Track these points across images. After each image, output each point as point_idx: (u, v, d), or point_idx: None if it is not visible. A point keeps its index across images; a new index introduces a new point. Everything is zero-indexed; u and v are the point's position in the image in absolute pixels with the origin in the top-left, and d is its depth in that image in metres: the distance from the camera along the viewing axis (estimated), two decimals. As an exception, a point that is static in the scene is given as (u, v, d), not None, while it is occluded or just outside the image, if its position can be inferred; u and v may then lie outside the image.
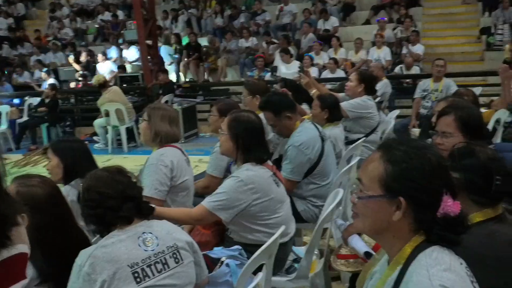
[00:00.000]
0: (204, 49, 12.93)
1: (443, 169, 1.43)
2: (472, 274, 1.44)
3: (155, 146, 3.26)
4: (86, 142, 8.89)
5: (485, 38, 11.55)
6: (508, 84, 5.36)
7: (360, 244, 2.59)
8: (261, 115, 4.25)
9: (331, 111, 4.37)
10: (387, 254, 1.50)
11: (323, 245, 3.31)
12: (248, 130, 2.79)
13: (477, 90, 7.53)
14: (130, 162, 6.91)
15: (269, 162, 2.96)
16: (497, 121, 5.47)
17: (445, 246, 1.41)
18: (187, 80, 12.90)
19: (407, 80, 10.02)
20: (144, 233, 1.98)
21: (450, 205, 1.41)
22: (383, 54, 10.87)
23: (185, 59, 12.92)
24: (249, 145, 2.78)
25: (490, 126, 5.44)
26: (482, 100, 7.81)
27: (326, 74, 10.37)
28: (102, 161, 7.64)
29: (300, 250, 3.14)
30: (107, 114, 9.03)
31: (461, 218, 1.43)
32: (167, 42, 13.52)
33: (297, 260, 3.06)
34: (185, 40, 13.63)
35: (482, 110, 6.36)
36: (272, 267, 2.47)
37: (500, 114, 5.44)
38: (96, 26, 15.85)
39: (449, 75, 8.37)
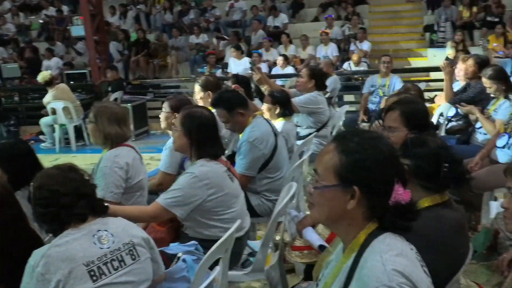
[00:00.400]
0: (153, 45, 12.76)
1: (395, 159, 1.49)
2: (421, 258, 1.51)
3: (106, 147, 3.17)
4: (32, 141, 8.59)
5: (428, 35, 11.96)
6: (450, 80, 5.59)
7: (314, 237, 2.65)
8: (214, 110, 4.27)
9: (283, 106, 4.43)
10: (342, 242, 1.55)
11: (277, 238, 3.36)
12: (201, 126, 2.79)
13: (422, 86, 7.81)
14: (79, 161, 6.69)
15: (223, 158, 2.97)
16: (441, 115, 5.69)
17: (397, 233, 1.47)
18: (137, 77, 12.71)
19: (355, 76, 10.24)
20: (99, 230, 1.95)
21: (401, 194, 1.47)
22: (330, 50, 11.08)
23: (135, 56, 12.72)
24: (203, 141, 2.78)
25: (434, 120, 5.66)
26: (426, 95, 8.11)
27: (277, 70, 10.47)
28: (50, 160, 7.42)
29: (255, 244, 3.17)
30: (54, 112, 8.78)
31: (411, 206, 1.50)
32: (115, 39, 13.26)
33: (252, 254, 3.09)
34: (133, 37, 13.41)
35: (427, 104, 6.62)
36: (228, 261, 2.49)
37: (443, 108, 5.66)
38: (40, 21, 15.34)
39: (395, 71, 8.64)
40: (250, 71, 5.58)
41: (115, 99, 9.57)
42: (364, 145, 1.45)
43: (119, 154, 3.08)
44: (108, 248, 1.94)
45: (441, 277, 1.94)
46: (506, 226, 1.80)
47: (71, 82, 10.77)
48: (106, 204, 2.14)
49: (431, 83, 9.20)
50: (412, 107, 2.85)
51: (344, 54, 11.35)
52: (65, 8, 15.30)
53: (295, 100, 4.91)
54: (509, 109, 4.38)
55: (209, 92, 4.48)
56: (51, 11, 15.34)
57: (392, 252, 1.39)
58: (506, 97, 4.56)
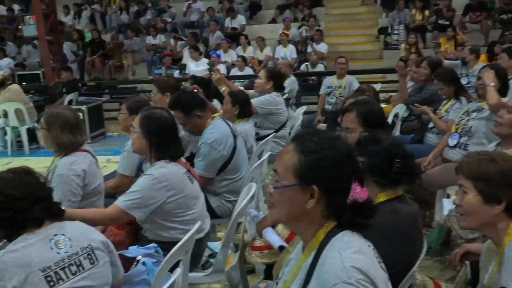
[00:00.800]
0: (108, 46, 12.56)
1: (352, 158, 1.53)
2: (378, 255, 1.55)
3: (59, 155, 3.02)
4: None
5: (383, 37, 12.24)
6: (404, 81, 5.74)
7: (274, 237, 2.68)
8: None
9: (242, 107, 4.45)
10: (302, 241, 1.57)
11: (238, 239, 3.37)
12: (160, 127, 2.77)
13: (377, 87, 7.98)
14: (33, 165, 6.51)
15: (183, 159, 2.96)
16: (396, 116, 5.84)
17: (355, 230, 1.50)
18: (92, 78, 12.46)
19: (313, 77, 10.37)
20: (56, 235, 1.91)
21: (358, 192, 1.51)
22: (288, 52, 11.18)
23: (90, 57, 12.48)
24: (162, 142, 2.76)
25: (389, 120, 5.80)
26: (381, 96, 8.29)
27: (235, 71, 10.49)
28: (2, 164, 7.21)
29: (215, 245, 3.17)
30: (5, 115, 8.50)
31: (369, 204, 1.53)
32: (69, 39, 12.96)
33: (212, 255, 3.09)
34: (88, 37, 13.15)
35: (382, 105, 6.77)
36: (189, 263, 2.48)
37: (398, 108, 5.81)
38: (-10, 20, 14.85)
39: (351, 72, 8.78)
40: (209, 72, 5.56)
41: (70, 101, 9.35)
42: (322, 145, 1.48)
43: (75, 161, 2.96)
44: (66, 252, 1.90)
45: (399, 269, 2.00)
46: (458, 222, 1.87)
47: (24, 83, 10.44)
48: (63, 208, 2.10)
49: (386, 84, 9.41)
50: (369, 108, 2.91)
51: (302, 56, 11.47)
52: (16, 7, 14.84)
53: (254, 101, 4.93)
54: (460, 109, 4.54)
55: (167, 93, 4.45)
56: (1, 10, 14.84)
57: (350, 250, 1.43)
58: (457, 98, 4.72)
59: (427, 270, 2.51)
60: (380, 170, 2.09)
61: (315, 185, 1.45)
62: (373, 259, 1.47)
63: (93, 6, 14.73)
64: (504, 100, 3.97)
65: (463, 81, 6.39)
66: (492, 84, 3.94)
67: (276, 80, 5.22)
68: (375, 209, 1.55)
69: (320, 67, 10.59)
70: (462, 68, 7.61)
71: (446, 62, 7.27)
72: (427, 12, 11.90)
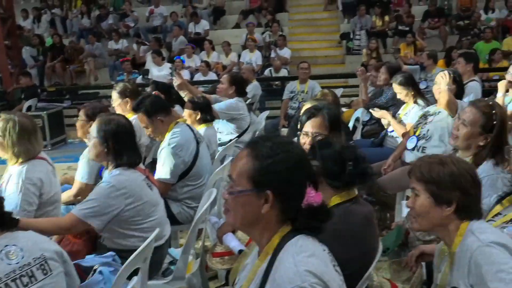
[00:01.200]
0: (69, 51, 12.33)
1: (306, 163, 1.54)
2: (333, 258, 1.57)
3: (15, 163, 2.92)
4: None
5: (345, 43, 12.42)
6: (365, 86, 5.84)
7: (234, 242, 2.67)
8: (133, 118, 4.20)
9: (203, 112, 4.43)
10: (258, 246, 1.57)
11: (199, 245, 3.35)
12: (118, 133, 2.73)
13: (339, 91, 8.09)
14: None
15: (142, 166, 2.92)
16: (357, 119, 5.93)
17: (310, 235, 1.52)
18: (53, 83, 12.21)
19: (276, 82, 10.43)
20: (7, 245, 1.86)
21: (313, 196, 1.53)
22: (254, 57, 11.21)
23: (50, 62, 12.23)
24: (120, 149, 2.72)
25: (350, 124, 5.89)
26: (343, 100, 8.41)
27: (199, 76, 10.46)
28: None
29: (176, 252, 3.14)
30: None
31: (323, 207, 1.55)
32: (29, 43, 12.67)
33: (173, 262, 3.05)
34: (49, 42, 12.88)
35: (344, 109, 6.88)
36: (148, 271, 2.45)
37: (359, 113, 5.90)
38: None
39: (313, 77, 8.87)
40: (171, 77, 5.53)
41: (29, 107, 9.13)
42: (276, 150, 1.49)
43: (31, 169, 2.86)
44: (17, 263, 1.84)
45: (354, 270, 2.04)
46: (411, 225, 1.91)
47: (-20, 89, 10.17)
48: (17, 218, 2.04)
49: (348, 89, 9.54)
50: (334, 113, 2.95)
51: (265, 61, 11.52)
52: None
53: (216, 107, 4.92)
54: (418, 113, 4.64)
55: (127, 99, 4.40)
56: (-43, 13, 14.41)
57: (304, 254, 1.44)
58: (415, 102, 4.83)
59: (385, 271, 2.55)
60: (333, 173, 2.14)
61: (269, 190, 1.46)
62: (327, 262, 1.49)
63: (53, 10, 14.44)
64: (462, 103, 4.08)
65: (422, 85, 6.53)
66: (445, 87, 4.03)
67: (239, 85, 5.22)
68: (329, 212, 1.57)
69: (283, 72, 10.66)
70: (420, 73, 7.80)
71: (405, 67, 7.43)
72: (387, 18, 12.14)
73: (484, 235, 1.70)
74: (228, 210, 1.54)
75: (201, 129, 4.36)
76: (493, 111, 2.63)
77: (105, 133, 2.72)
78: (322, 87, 9.06)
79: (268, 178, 1.46)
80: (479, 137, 2.65)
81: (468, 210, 1.79)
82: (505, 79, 4.96)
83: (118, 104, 4.50)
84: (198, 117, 4.42)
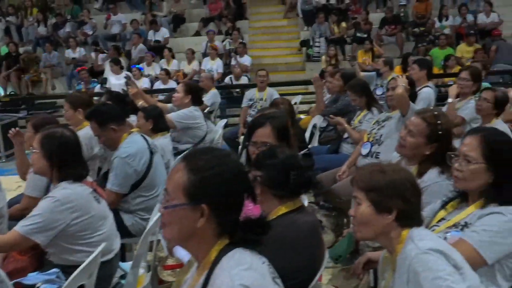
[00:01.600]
0: (24, 59, 12.03)
1: (243, 175, 1.53)
2: (274, 270, 1.56)
3: None
4: None
5: (305, 50, 12.54)
6: (320, 93, 5.90)
7: (183, 253, 2.63)
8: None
9: (156, 122, 4.39)
10: (195, 260, 1.55)
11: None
12: (62, 146, 2.66)
13: (298, 98, 8.17)
14: None
15: (89, 178, 2.86)
16: (315, 126, 5.97)
17: (248, 248, 1.50)
18: (8, 93, 11.88)
19: (237, 90, 10.43)
20: None
21: (251, 209, 1.52)
22: (216, 65, 11.19)
23: (5, 71, 11.91)
24: (65, 162, 2.65)
25: (308, 131, 5.93)
26: (303, 107, 8.48)
27: (159, 85, 10.36)
28: None
29: (127, 266, 3.08)
30: None
31: (262, 220, 1.54)
32: (-18, 52, 12.33)
33: (124, 276, 2.99)
34: (4, 50, 12.55)
35: (302, 116, 6.92)
36: (95, 286, 2.39)
37: (316, 119, 5.95)
38: None
39: (274, 84, 8.91)
40: (126, 86, 5.46)
41: (-18, 118, 8.86)
42: (212, 163, 1.47)
43: None
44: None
45: (301, 279, 2.04)
46: (355, 234, 1.92)
47: None
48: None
49: (309, 96, 9.61)
50: (282, 122, 2.94)
51: (226, 68, 11.52)
52: None
53: (172, 116, 4.88)
54: (372, 119, 4.71)
55: (79, 109, 4.31)
56: None
57: (241, 267, 1.42)
58: (369, 109, 4.90)
59: (336, 279, 2.56)
60: (278, 183, 2.14)
61: (205, 203, 1.44)
62: (265, 275, 1.47)
63: (8, 18, 14.08)
64: (413, 106, 4.15)
65: (379, 91, 6.65)
66: (401, 85, 4.08)
67: (194, 94, 5.19)
68: (268, 225, 1.55)
69: (244, 80, 10.68)
70: (377, 79, 7.92)
71: (362, 74, 7.54)
72: (344, 25, 12.32)
73: (422, 242, 1.72)
74: (164, 224, 1.51)
75: (155, 138, 4.30)
76: (438, 121, 2.69)
77: (48, 146, 2.65)
78: (282, 95, 9.11)
79: (204, 192, 1.44)
80: (425, 147, 2.69)
81: (408, 218, 1.81)
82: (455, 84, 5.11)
83: (71, 115, 4.41)
84: (151, 126, 4.37)
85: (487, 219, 2.09)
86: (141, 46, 12.20)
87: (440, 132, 2.66)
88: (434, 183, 2.59)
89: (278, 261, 1.67)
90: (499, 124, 3.99)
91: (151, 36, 12.67)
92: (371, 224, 1.83)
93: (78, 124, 4.29)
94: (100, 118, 3.62)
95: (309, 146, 5.53)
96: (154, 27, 12.69)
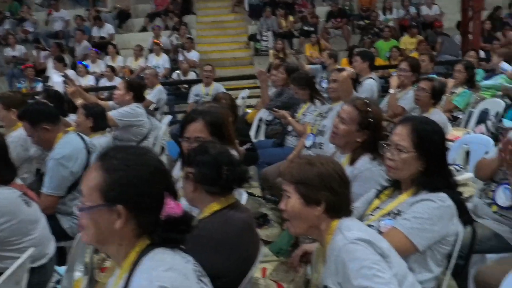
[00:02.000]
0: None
1: (162, 173, 1.47)
2: (200, 269, 1.52)
3: None
4: None
5: (253, 44, 12.52)
6: (265, 87, 5.90)
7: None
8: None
9: (96, 120, 4.25)
10: (116, 263, 1.49)
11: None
12: (-16, 149, 2.53)
13: (245, 93, 8.15)
14: None
15: (18, 181, 2.73)
16: (260, 120, 5.96)
17: (170, 247, 1.45)
18: None
19: (185, 86, 10.30)
20: None
21: (172, 207, 1.47)
22: (162, 61, 11.01)
23: None
24: (-12, 165, 2.53)
25: (254, 125, 5.93)
26: (251, 101, 8.47)
27: (104, 82, 10.13)
28: None
29: (63, 270, 2.97)
30: None
31: (185, 218, 1.49)
32: None
33: (60, 281, 2.88)
34: None
35: (249, 110, 6.91)
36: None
37: (262, 113, 5.94)
38: None
39: (222, 79, 8.86)
40: (64, 85, 5.28)
41: None
42: (127, 162, 1.42)
43: None
44: None
45: (235, 275, 2.02)
46: (288, 229, 1.91)
47: None
48: None
49: (256, 90, 9.59)
50: (215, 116, 2.89)
51: (173, 64, 11.36)
52: None
53: (113, 114, 4.75)
54: (315, 112, 4.74)
55: (13, 109, 4.14)
56: None
57: (161, 268, 1.37)
58: (312, 102, 4.93)
59: (275, 273, 2.55)
60: (210, 179, 2.10)
61: (121, 204, 1.38)
62: (189, 275, 1.43)
63: None
64: (355, 94, 4.20)
65: (324, 84, 6.71)
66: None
67: (136, 91, 5.06)
68: (191, 223, 1.51)
69: (192, 75, 10.56)
70: (322, 72, 7.97)
71: (308, 67, 7.58)
72: (291, 18, 12.37)
73: (350, 232, 1.72)
74: (82, 227, 1.45)
75: (94, 137, 4.17)
76: (369, 109, 2.72)
77: (-30, 149, 2.52)
78: (230, 89, 9.06)
79: (119, 192, 1.39)
80: (357, 134, 2.73)
81: (337, 209, 1.81)
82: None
83: (4, 115, 4.23)
84: (91, 124, 4.24)
85: (418, 206, 2.13)
86: (85, 43, 11.88)
87: (370, 119, 2.70)
88: (366, 170, 2.64)
89: (208, 260, 1.64)
90: (436, 113, 4.09)
91: (96, 32, 12.35)
92: (301, 218, 1.82)
93: (11, 124, 4.12)
94: (32, 117, 3.48)
95: (255, 140, 5.54)
96: (99, 23, 12.38)
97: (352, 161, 2.73)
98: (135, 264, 1.40)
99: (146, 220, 1.42)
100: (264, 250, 2.98)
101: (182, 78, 10.39)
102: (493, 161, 2.91)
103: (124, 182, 1.39)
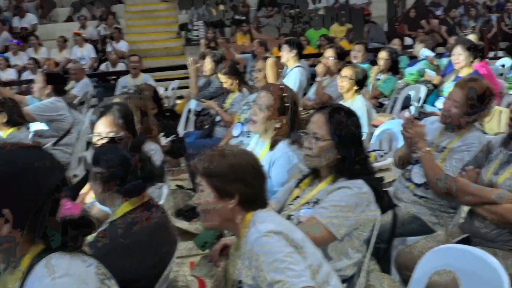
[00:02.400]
0: None
1: (51, 173, 1.35)
2: (105, 271, 1.43)
3: None
4: None
5: (184, 34, 12.31)
6: (195, 77, 5.80)
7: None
8: None
9: (10, 115, 4.02)
10: (8, 271, 1.37)
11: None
12: None
13: (175, 83, 8.00)
14: None
15: None
16: (190, 111, 5.86)
17: (68, 251, 1.35)
18: None
19: (114, 77, 9.99)
20: None
21: (69, 208, 1.37)
22: (86, 52, 10.63)
23: None
24: None
25: (184, 116, 5.82)
26: (182, 92, 8.32)
27: (27, 75, 9.63)
28: None
29: None
30: None
31: (83, 219, 1.40)
32: None
33: None
34: None
35: (178, 101, 6.79)
36: None
37: (191, 104, 5.84)
38: None
39: (152, 69, 8.65)
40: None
41: None
42: (5, 161, 1.29)
43: None
44: None
45: (149, 278, 1.95)
46: (203, 224, 1.86)
47: None
48: None
49: (188, 80, 9.44)
50: (126, 109, 2.79)
51: (101, 55, 11.00)
52: None
53: (30, 109, 4.50)
54: (243, 101, 4.69)
55: None
56: None
57: (56, 274, 1.27)
58: (240, 91, 4.89)
59: (199, 268, 2.49)
60: (120, 178, 2.01)
61: (5, 208, 1.26)
62: (89, 279, 1.34)
63: None
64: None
65: (255, 74, 6.67)
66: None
67: (56, 83, 4.81)
68: (91, 223, 1.42)
69: (121, 66, 10.24)
70: (252, 61, 7.95)
71: (237, 56, 7.53)
72: (221, 7, 12.27)
73: (262, 225, 1.68)
74: None
75: (9, 134, 3.95)
76: (284, 94, 2.72)
77: None
78: (161, 80, 8.88)
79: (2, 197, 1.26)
80: (274, 120, 2.72)
81: (251, 201, 1.77)
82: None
83: None
84: (5, 120, 4.00)
85: (335, 194, 2.12)
86: (5, 34, 11.27)
87: (287, 104, 2.71)
88: (284, 153, 2.65)
89: (119, 265, 1.56)
90: (358, 100, 4.15)
91: (17, 23, 11.74)
92: (215, 211, 1.77)
93: None
94: None
95: (185, 131, 5.44)
96: (19, 13, 11.76)
97: (272, 147, 2.74)
98: (27, 272, 1.29)
99: (37, 224, 1.31)
100: (192, 244, 2.93)
101: (111, 69, 10.07)
102: (403, 146, 3.00)
103: (3, 185, 1.26)
